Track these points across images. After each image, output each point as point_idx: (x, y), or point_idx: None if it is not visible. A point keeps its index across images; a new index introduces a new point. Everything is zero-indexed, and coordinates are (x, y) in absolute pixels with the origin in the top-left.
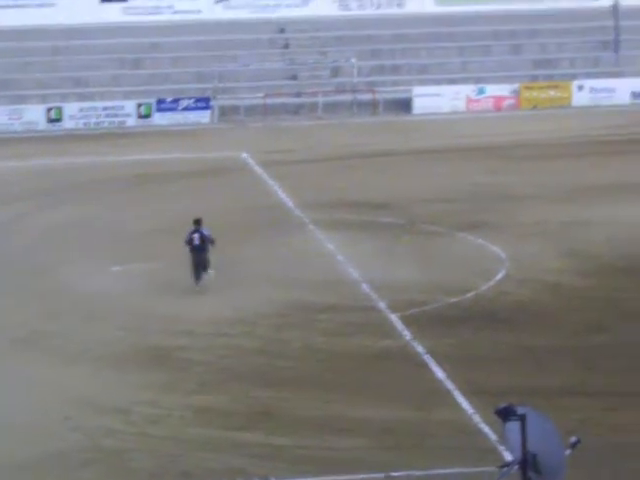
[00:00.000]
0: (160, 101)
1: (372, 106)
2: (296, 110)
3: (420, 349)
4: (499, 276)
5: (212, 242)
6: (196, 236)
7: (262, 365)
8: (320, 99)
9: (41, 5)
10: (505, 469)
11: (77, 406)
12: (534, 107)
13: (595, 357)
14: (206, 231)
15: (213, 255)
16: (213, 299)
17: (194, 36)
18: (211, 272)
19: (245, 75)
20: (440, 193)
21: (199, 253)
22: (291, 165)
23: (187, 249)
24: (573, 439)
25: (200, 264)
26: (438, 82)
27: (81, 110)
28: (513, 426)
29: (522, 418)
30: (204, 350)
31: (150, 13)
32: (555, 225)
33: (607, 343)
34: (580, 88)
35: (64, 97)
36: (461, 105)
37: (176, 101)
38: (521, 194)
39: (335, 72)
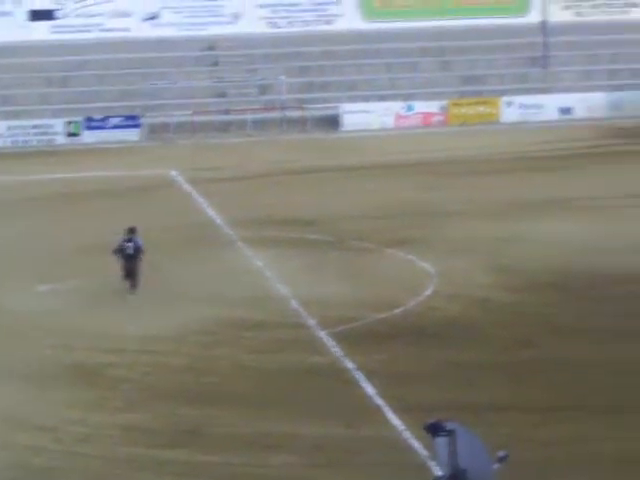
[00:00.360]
0: (89, 119)
1: (301, 123)
2: (225, 127)
3: (350, 365)
4: (428, 292)
5: (142, 253)
6: (130, 245)
7: (189, 382)
8: (249, 116)
9: None
10: None
11: (4, 424)
12: (463, 123)
13: (524, 372)
14: (140, 241)
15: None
16: (141, 316)
17: (123, 54)
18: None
19: (174, 93)
20: (369, 209)
21: (132, 262)
22: (220, 182)
23: (117, 258)
24: (501, 453)
25: (132, 273)
26: (367, 99)
27: (9, 128)
28: (442, 442)
29: (451, 434)
30: (131, 367)
31: (79, 31)
32: (484, 241)
33: (536, 358)
34: (509, 104)
35: None
36: (390, 122)
37: (105, 119)
38: (450, 210)
39: (264, 89)
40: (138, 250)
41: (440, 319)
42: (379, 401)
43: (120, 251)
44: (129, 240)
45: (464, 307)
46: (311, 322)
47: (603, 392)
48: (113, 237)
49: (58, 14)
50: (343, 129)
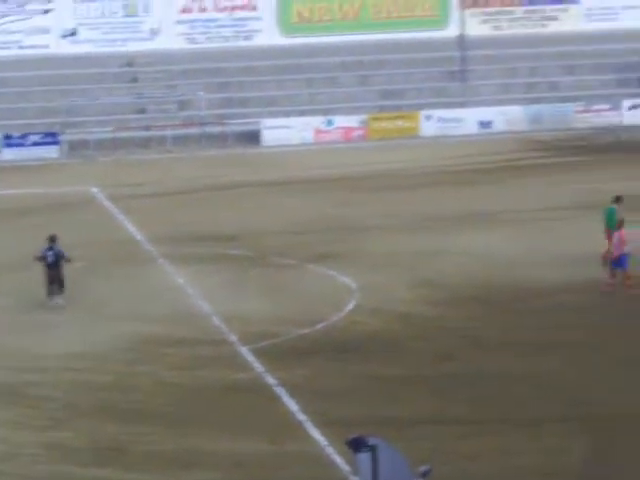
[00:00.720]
0: (8, 136)
1: (221, 139)
2: (145, 144)
3: (272, 381)
4: (350, 307)
5: (68, 260)
6: (50, 253)
7: (112, 400)
8: (169, 132)
9: None
10: None
11: None
12: (383, 138)
13: (446, 386)
14: (60, 249)
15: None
16: (62, 334)
17: (41, 71)
18: (61, 302)
19: (93, 109)
20: (290, 225)
21: (53, 270)
22: (141, 199)
23: (41, 265)
24: (424, 468)
25: (55, 281)
26: (287, 114)
27: None
28: (364, 457)
29: (373, 449)
30: (54, 386)
31: None
32: (406, 255)
33: (458, 372)
34: (428, 118)
35: None
36: (310, 137)
37: (24, 136)
38: (371, 225)
39: (183, 105)
40: (59, 257)
41: (362, 334)
42: (302, 416)
43: (42, 259)
44: (50, 248)
45: (386, 322)
46: (233, 338)
47: (526, 405)
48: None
49: None
50: (263, 144)
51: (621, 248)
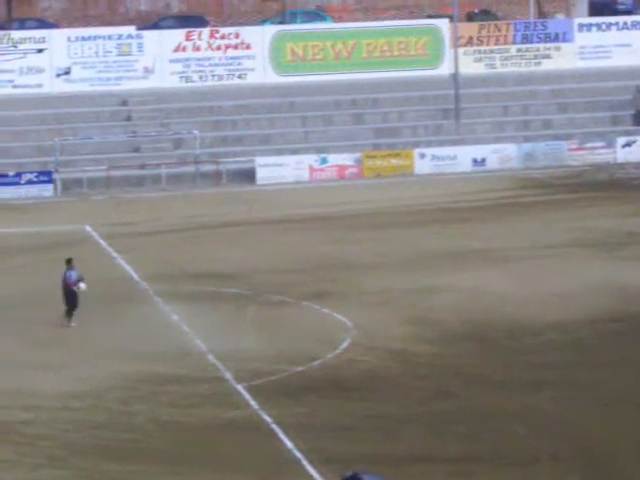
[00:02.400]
0: (2, 175)
1: (215, 177)
2: (139, 182)
3: (267, 419)
4: (345, 344)
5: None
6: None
7: (108, 439)
8: (163, 171)
9: None
10: None
11: None
12: (377, 176)
13: (441, 423)
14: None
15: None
16: (58, 372)
17: (35, 109)
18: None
19: (87, 148)
20: (285, 263)
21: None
22: (135, 237)
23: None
24: None
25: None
26: (281, 152)
27: None
28: None
29: None
30: (49, 424)
31: None
32: (400, 293)
33: (453, 409)
34: (422, 156)
35: None
36: (304, 175)
37: (18, 175)
38: (365, 263)
39: (178, 144)
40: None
41: (357, 371)
42: (297, 454)
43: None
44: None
45: (381, 359)
46: (228, 376)
47: (520, 443)
48: (27, 294)
49: None
50: (258, 182)
51: None
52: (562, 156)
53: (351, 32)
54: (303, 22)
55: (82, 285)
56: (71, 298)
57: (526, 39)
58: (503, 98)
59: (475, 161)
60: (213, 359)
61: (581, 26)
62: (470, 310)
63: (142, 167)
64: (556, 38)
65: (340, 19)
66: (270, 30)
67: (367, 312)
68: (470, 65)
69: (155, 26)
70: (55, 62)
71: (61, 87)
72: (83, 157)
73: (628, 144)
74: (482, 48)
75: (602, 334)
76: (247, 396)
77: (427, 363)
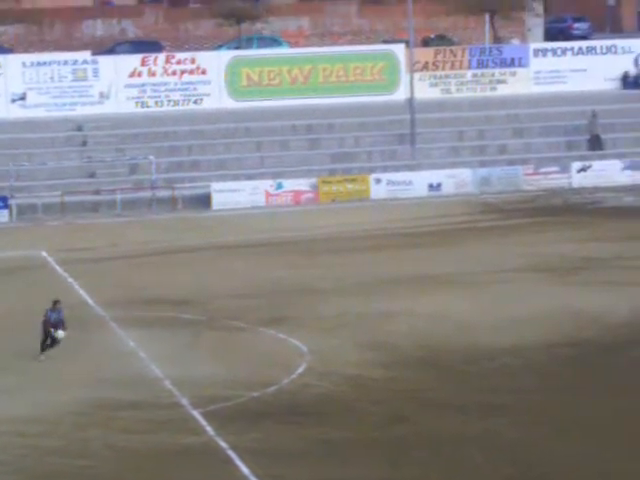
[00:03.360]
0: None
1: (171, 202)
2: (95, 208)
3: (223, 445)
4: (300, 370)
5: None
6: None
7: (62, 465)
8: (119, 196)
9: None
10: None
11: None
12: (333, 201)
13: (397, 448)
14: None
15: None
16: (12, 398)
17: None
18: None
19: (43, 173)
20: (241, 288)
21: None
22: (91, 263)
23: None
24: None
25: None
26: (237, 177)
27: None
28: None
29: None
30: (3, 449)
31: None
32: (356, 318)
33: (408, 434)
34: (378, 181)
35: None
36: (260, 200)
37: None
38: (321, 288)
39: (133, 169)
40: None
41: (313, 397)
42: None
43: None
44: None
45: (337, 384)
46: (184, 402)
47: (477, 468)
48: None
49: None
50: (214, 208)
51: None
52: (517, 181)
53: (307, 57)
54: (259, 47)
55: (60, 333)
56: (47, 336)
57: (481, 64)
58: (459, 123)
59: (431, 186)
60: (169, 385)
61: (536, 51)
62: (426, 335)
63: (97, 193)
64: (511, 63)
65: (296, 44)
66: (226, 55)
67: (323, 337)
68: (426, 90)
69: (111, 51)
70: (10, 87)
71: (16, 113)
72: (38, 183)
73: (583, 169)
74: (438, 73)
75: (557, 359)
76: (203, 422)
77: (383, 388)
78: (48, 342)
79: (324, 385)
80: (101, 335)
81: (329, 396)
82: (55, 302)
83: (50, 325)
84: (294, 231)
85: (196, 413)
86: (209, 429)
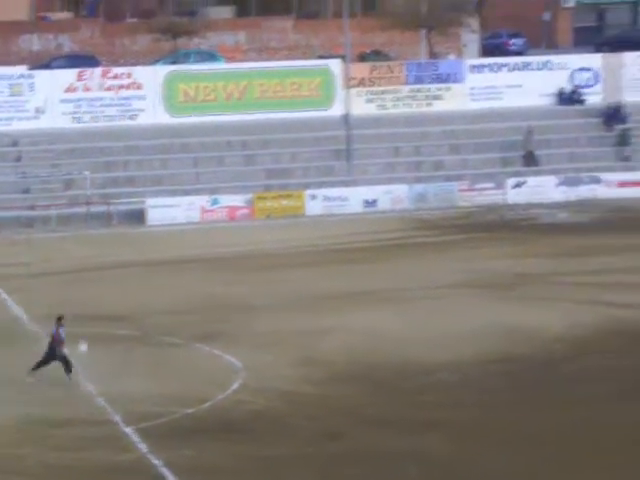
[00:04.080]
0: None
1: (106, 218)
2: (29, 223)
3: (157, 461)
4: (235, 386)
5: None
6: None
7: None
8: (53, 212)
9: None
10: None
11: None
12: (268, 217)
13: (331, 464)
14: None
15: None
16: None
17: None
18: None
19: None
20: (176, 304)
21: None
22: (26, 279)
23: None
24: None
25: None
26: (173, 193)
27: None
28: None
29: None
30: None
31: None
32: (291, 334)
33: (343, 451)
34: (313, 197)
35: None
36: (195, 216)
37: None
38: (257, 304)
39: (68, 184)
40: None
41: (247, 413)
42: None
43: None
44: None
45: (271, 401)
46: (117, 419)
47: None
48: None
49: None
50: (149, 223)
51: None
52: (453, 197)
53: (243, 73)
54: (195, 62)
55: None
56: (50, 354)
57: (418, 80)
58: (395, 139)
59: (366, 202)
60: (102, 401)
61: (472, 67)
62: (361, 351)
63: (32, 208)
64: (447, 79)
65: (233, 59)
66: (162, 70)
67: (258, 353)
68: (362, 106)
69: (47, 66)
70: None
71: None
72: None
73: (518, 185)
74: (374, 89)
75: (491, 374)
76: (136, 439)
77: (317, 404)
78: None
79: (258, 401)
80: (35, 351)
81: (263, 412)
82: (59, 317)
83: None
84: (229, 247)
85: (129, 430)
86: (142, 446)
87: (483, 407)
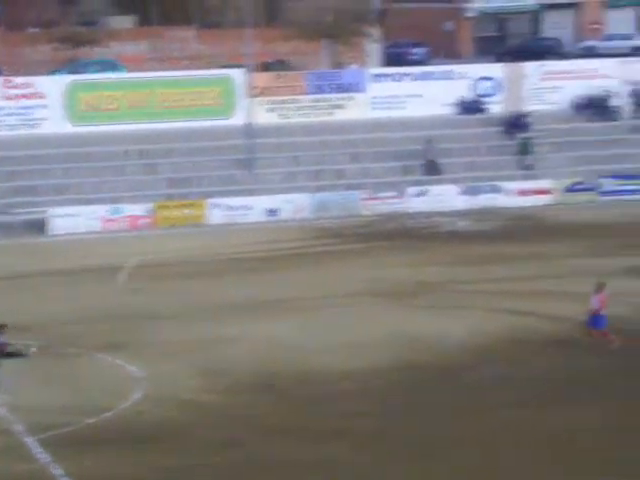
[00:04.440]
0: None
1: (8, 227)
2: None
3: (58, 472)
4: (137, 395)
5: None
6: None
7: None
8: None
9: None
10: None
11: None
12: (171, 226)
13: (233, 473)
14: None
15: None
16: None
17: None
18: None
19: None
20: (78, 314)
21: None
22: None
23: None
24: None
25: None
26: (75, 202)
27: None
28: None
29: None
30: None
31: None
32: (193, 343)
33: (245, 459)
34: (215, 206)
35: None
36: (97, 225)
37: None
38: (159, 313)
39: None
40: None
41: (149, 423)
42: None
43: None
44: None
45: (172, 410)
46: (19, 429)
47: None
48: None
49: None
50: (51, 233)
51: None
52: (355, 206)
53: (145, 82)
54: (95, 72)
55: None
56: None
57: (319, 89)
58: (296, 148)
59: (268, 211)
60: (3, 411)
61: (374, 76)
62: (264, 360)
63: None
64: (349, 88)
65: (135, 69)
66: (64, 80)
67: (161, 363)
68: (264, 115)
69: None
70: None
71: None
72: None
73: (419, 194)
74: (276, 98)
75: (394, 383)
76: (37, 449)
77: (220, 413)
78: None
79: (160, 411)
80: None
81: (166, 422)
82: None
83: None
84: (132, 256)
85: (31, 440)
86: (43, 456)
87: (385, 416)
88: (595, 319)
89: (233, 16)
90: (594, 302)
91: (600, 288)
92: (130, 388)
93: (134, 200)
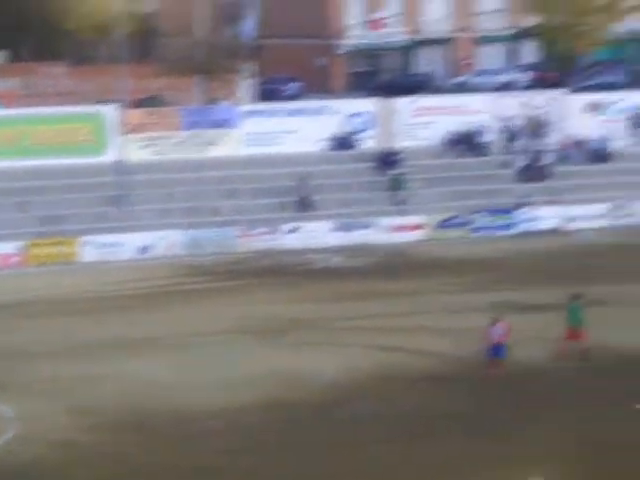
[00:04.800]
0: None
1: None
2: None
3: None
4: (7, 436)
5: None
6: None
7: None
8: None
9: None
10: None
11: None
12: (42, 264)
13: None
14: None
15: None
16: None
17: None
18: None
19: None
20: None
21: None
22: None
23: None
24: None
25: None
26: None
27: None
28: None
29: None
30: None
31: None
32: (65, 382)
33: None
34: (87, 244)
35: None
36: None
37: None
38: (31, 352)
39: None
40: None
41: (19, 464)
42: None
43: None
44: None
45: (44, 450)
46: None
47: None
48: None
49: None
50: None
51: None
52: (229, 243)
53: (16, 119)
54: None
55: None
56: None
57: (193, 125)
58: (170, 185)
59: (140, 248)
60: None
61: (247, 112)
62: (135, 398)
63: None
64: (223, 124)
65: (7, 105)
66: None
67: (30, 402)
68: (137, 152)
69: None
70: None
71: None
72: None
73: (293, 230)
74: (149, 134)
75: (267, 420)
76: None
77: (92, 452)
78: None
79: (31, 451)
80: None
81: (36, 462)
82: None
83: None
84: (1, 295)
85: None
86: None
87: (259, 453)
88: (496, 349)
89: (106, 52)
90: (493, 334)
91: (495, 322)
92: (0, 428)
93: (5, 238)
